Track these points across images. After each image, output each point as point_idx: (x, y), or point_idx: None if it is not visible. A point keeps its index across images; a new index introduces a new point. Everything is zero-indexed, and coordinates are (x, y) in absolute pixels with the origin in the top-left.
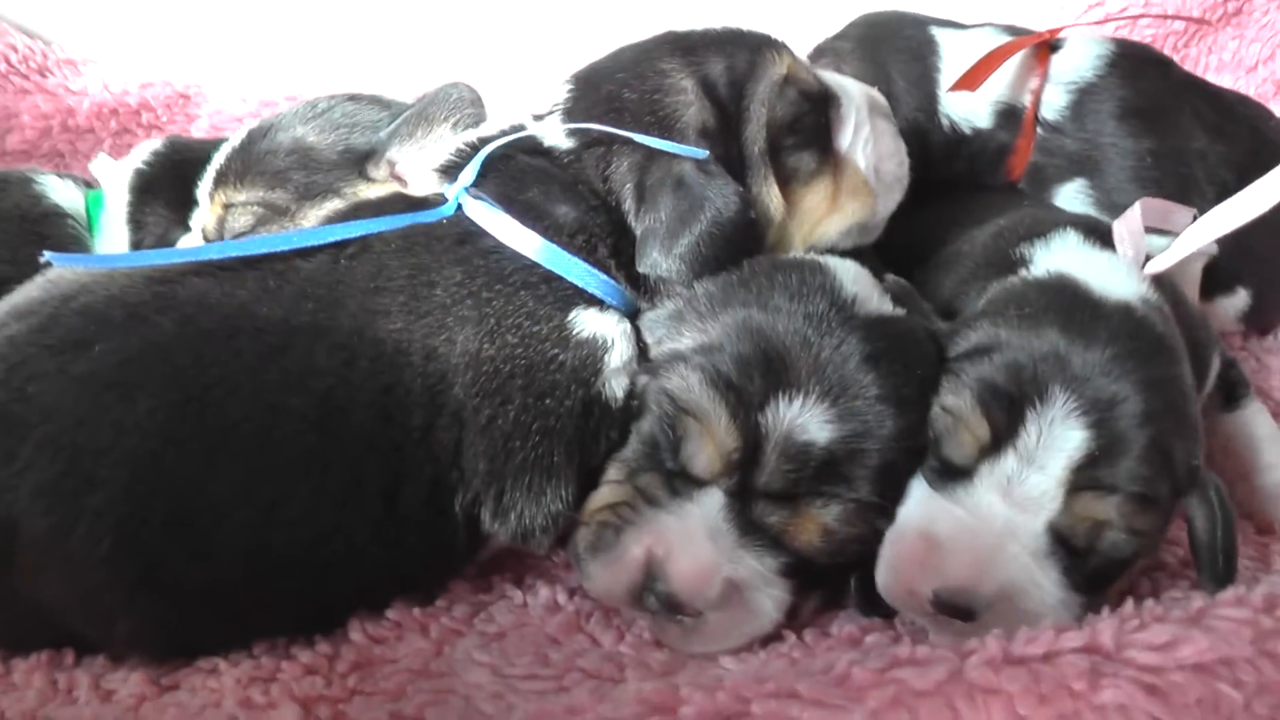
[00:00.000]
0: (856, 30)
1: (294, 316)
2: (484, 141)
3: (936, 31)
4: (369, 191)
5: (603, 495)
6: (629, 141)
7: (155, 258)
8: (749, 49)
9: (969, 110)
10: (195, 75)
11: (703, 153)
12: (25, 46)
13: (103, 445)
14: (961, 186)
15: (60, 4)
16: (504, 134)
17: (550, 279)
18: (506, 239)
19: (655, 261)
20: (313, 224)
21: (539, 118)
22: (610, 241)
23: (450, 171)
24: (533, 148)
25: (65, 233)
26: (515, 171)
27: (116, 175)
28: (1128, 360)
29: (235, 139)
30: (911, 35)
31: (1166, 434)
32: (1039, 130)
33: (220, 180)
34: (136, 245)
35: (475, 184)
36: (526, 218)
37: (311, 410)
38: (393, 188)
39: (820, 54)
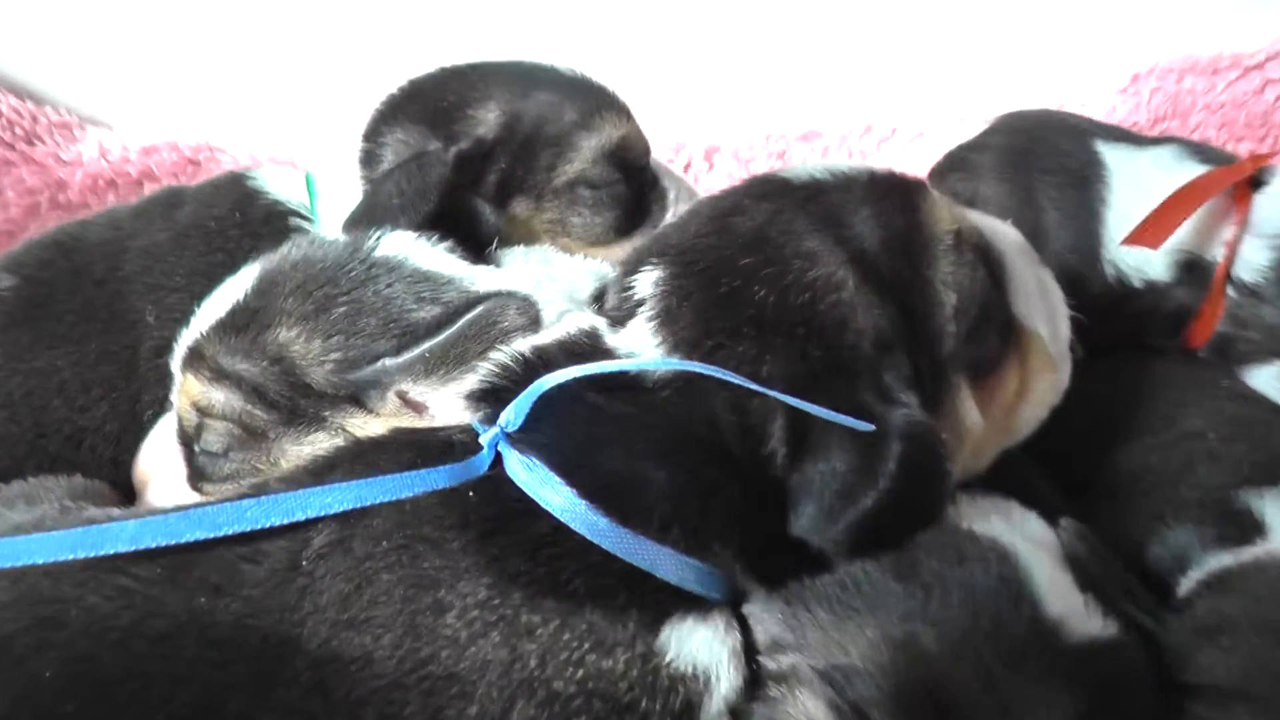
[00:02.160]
0: (998, 139)
1: (221, 671)
2: (540, 359)
3: (1103, 148)
4: (368, 426)
5: None
6: (777, 353)
7: (41, 549)
8: (901, 198)
9: (1141, 258)
10: (205, 136)
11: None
12: (11, 110)
13: None
14: (1121, 349)
15: (53, 61)
16: (565, 346)
17: (631, 580)
18: (566, 520)
19: (816, 527)
20: (291, 465)
21: (614, 319)
22: (725, 506)
23: (487, 399)
24: (611, 381)
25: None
26: (583, 415)
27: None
28: None
29: (239, 286)
30: (1070, 152)
31: None
32: (1230, 293)
33: (193, 359)
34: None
35: (521, 428)
36: (600, 494)
37: None
38: (400, 420)
39: (951, 168)
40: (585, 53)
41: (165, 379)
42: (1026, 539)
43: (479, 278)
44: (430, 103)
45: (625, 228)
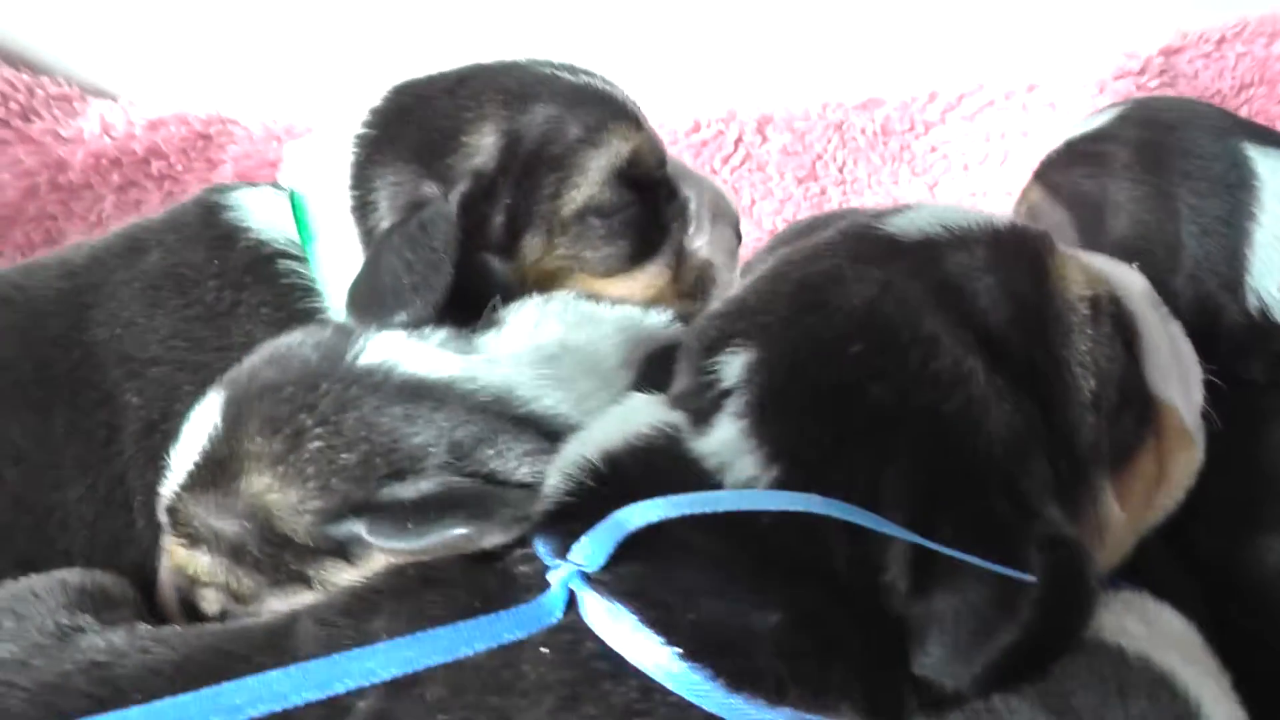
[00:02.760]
0: (1132, 132)
1: None
2: (612, 471)
3: (1254, 152)
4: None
5: None
6: (898, 466)
7: None
8: (1030, 260)
9: None
10: (216, 106)
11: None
12: (6, 82)
13: None
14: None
15: (52, 25)
16: (639, 453)
17: None
18: (667, 683)
19: (947, 668)
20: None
21: (694, 414)
22: (845, 655)
23: (553, 522)
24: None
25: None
26: (671, 549)
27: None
28: None
29: (207, 419)
30: (1215, 154)
31: None
32: None
33: (172, 519)
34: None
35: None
36: (703, 651)
37: None
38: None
39: (1074, 161)
40: (632, 17)
41: (157, 460)
42: (1185, 659)
43: (480, 372)
44: (417, 134)
45: (643, 253)
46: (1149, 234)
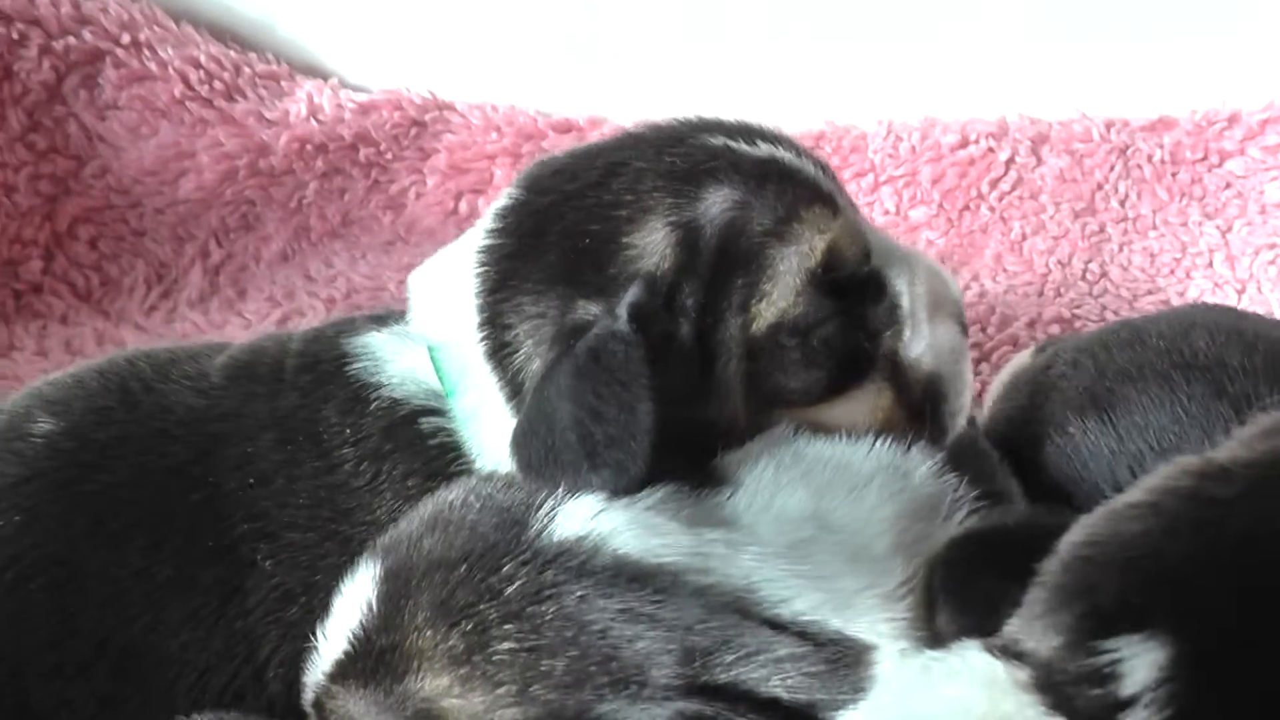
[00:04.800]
0: None
1: None
2: None
3: None
4: None
5: None
6: None
7: None
8: None
9: None
10: (433, 87)
11: None
12: (211, 60)
13: None
14: None
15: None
16: None
17: None
18: None
19: None
20: None
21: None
22: None
23: None
24: None
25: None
26: None
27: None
28: None
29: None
30: None
31: None
32: None
33: (318, 712)
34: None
35: None
36: None
37: None
38: None
39: None
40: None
41: (294, 635)
42: None
43: (717, 560)
44: (561, 244)
45: (852, 375)
46: None
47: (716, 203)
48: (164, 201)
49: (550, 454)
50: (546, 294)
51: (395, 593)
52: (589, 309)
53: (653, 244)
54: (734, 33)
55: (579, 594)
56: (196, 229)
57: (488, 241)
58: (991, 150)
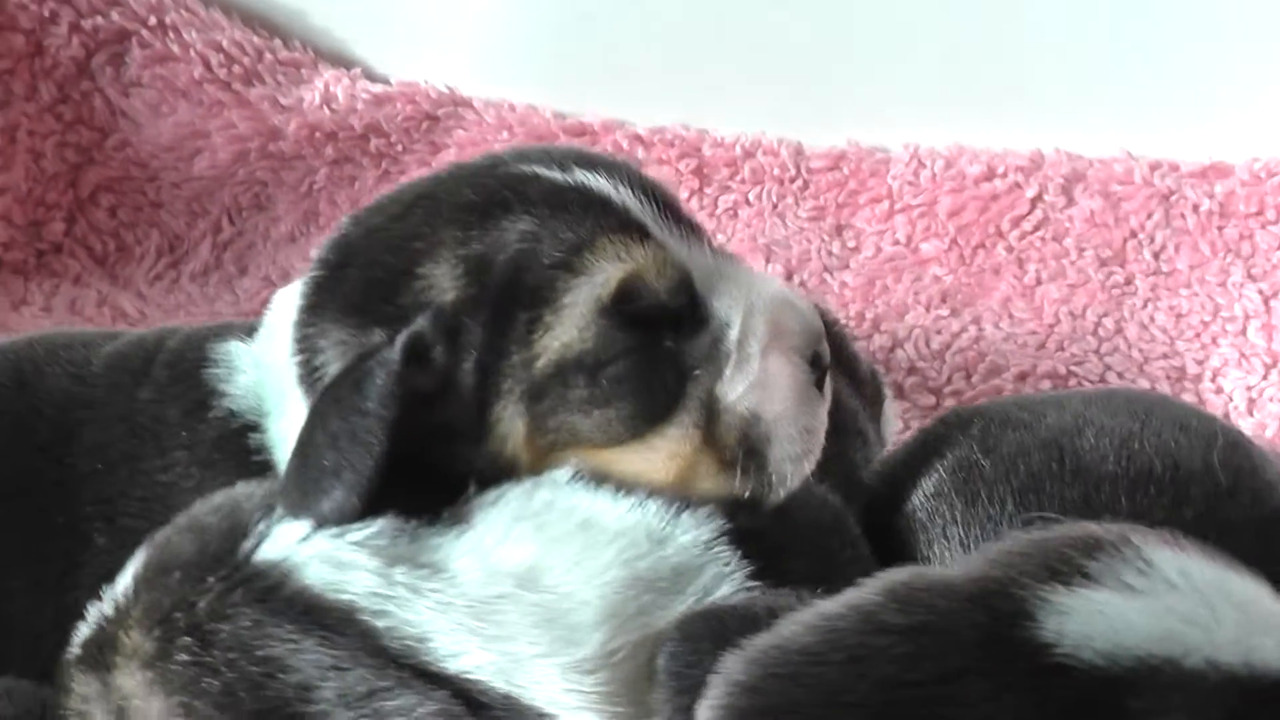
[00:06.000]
0: None
1: None
2: None
3: None
4: None
5: None
6: None
7: None
8: None
9: None
10: (452, 80)
11: None
12: (235, 44)
13: None
14: None
15: None
16: None
17: None
18: None
19: None
20: None
21: None
22: None
23: None
24: None
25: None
26: None
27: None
28: None
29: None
30: None
31: None
32: None
33: (61, 687)
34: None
35: None
36: None
37: None
38: None
39: None
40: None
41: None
42: None
43: (398, 605)
44: (359, 276)
45: (657, 414)
46: None
47: (509, 234)
48: (179, 176)
49: (297, 477)
50: (345, 322)
51: (134, 587)
52: (378, 337)
53: (440, 276)
54: (758, 45)
55: (254, 618)
56: (210, 204)
57: (312, 271)
58: (1018, 185)
